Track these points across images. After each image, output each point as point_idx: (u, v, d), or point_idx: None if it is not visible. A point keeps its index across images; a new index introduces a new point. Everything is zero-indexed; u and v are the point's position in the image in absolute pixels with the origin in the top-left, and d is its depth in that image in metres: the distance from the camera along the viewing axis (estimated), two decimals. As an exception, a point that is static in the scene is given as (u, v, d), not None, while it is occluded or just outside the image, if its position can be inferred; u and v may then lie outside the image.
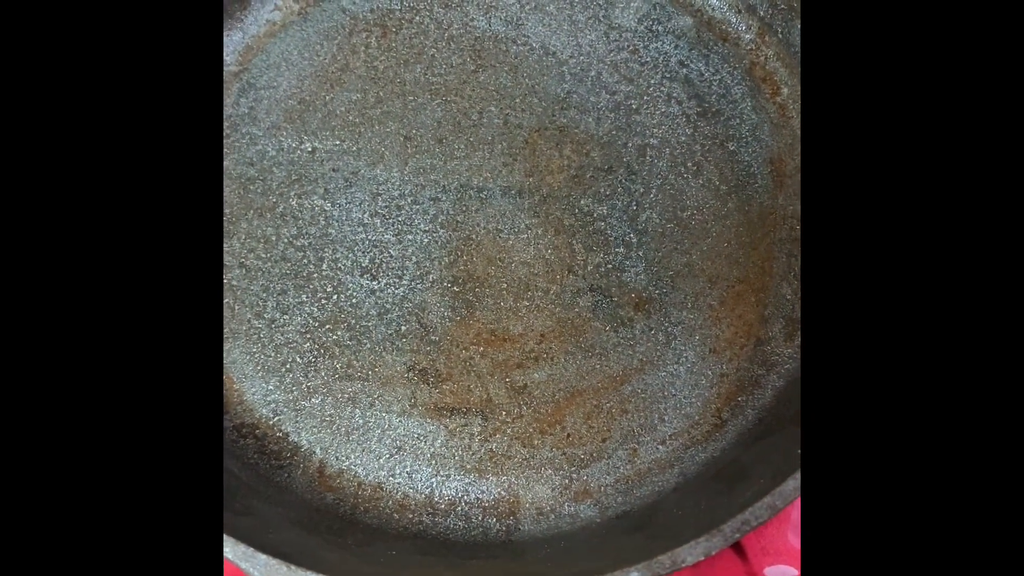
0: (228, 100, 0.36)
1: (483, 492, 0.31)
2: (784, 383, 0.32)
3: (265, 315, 0.33)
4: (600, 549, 0.27)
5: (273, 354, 0.33)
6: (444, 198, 0.35)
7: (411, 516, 0.31)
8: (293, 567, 0.24)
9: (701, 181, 0.35)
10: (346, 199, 0.35)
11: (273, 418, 0.32)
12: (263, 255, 0.34)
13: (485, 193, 0.35)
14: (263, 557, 0.24)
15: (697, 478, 0.30)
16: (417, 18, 0.37)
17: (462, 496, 0.31)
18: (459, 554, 0.29)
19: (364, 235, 0.34)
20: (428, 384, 0.32)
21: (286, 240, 0.34)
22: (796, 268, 0.34)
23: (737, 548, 0.29)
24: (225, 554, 0.24)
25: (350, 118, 0.36)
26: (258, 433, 0.32)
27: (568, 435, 0.32)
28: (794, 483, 0.25)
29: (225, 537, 0.24)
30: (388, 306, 0.33)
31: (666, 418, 0.32)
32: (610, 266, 0.34)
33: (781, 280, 0.34)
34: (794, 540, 0.30)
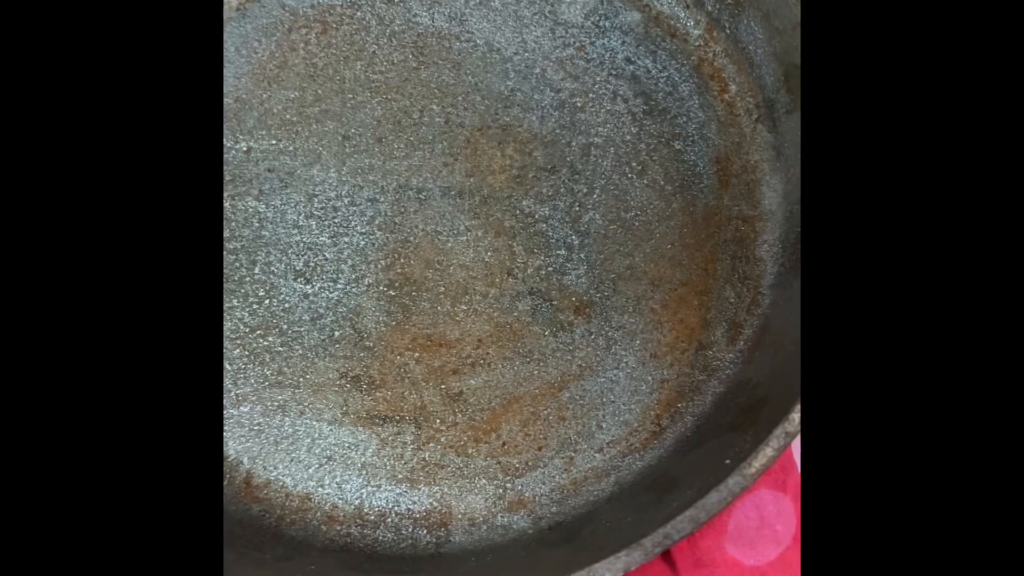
0: (162, 99, 0.35)
1: (414, 503, 0.30)
2: (724, 388, 0.31)
3: (194, 320, 0.32)
4: (527, 563, 0.27)
5: (202, 360, 0.32)
6: (382, 199, 0.34)
7: (339, 528, 0.30)
8: (198, 585, 0.23)
9: (646, 181, 0.34)
10: (281, 200, 0.34)
11: (200, 427, 0.31)
12: (194, 258, 0.33)
13: (424, 194, 0.34)
14: None
15: (632, 487, 0.30)
16: (359, 14, 0.36)
17: (393, 507, 0.30)
18: (383, 568, 0.28)
19: (299, 237, 0.33)
20: (361, 391, 0.32)
21: (218, 243, 0.33)
22: (740, 269, 0.33)
23: (668, 561, 0.29)
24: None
25: (287, 117, 0.35)
26: (184, 442, 0.31)
27: (504, 443, 0.31)
28: (718, 495, 0.24)
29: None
30: (322, 311, 0.32)
31: (604, 425, 0.31)
32: (551, 269, 0.33)
33: (724, 283, 0.33)
34: (732, 551, 0.30)
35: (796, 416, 0.25)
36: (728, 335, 0.32)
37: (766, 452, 0.24)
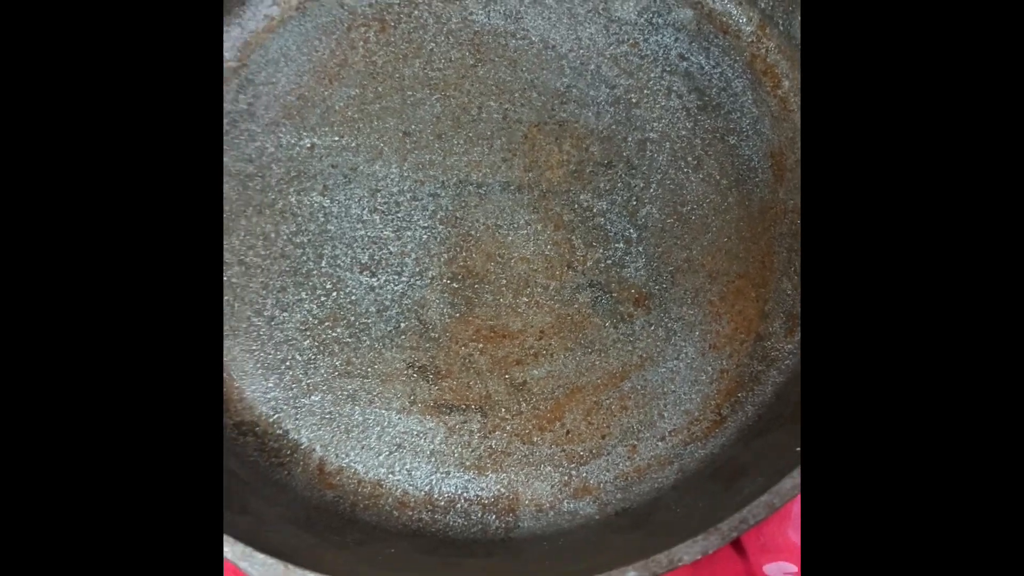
0: (227, 96, 0.36)
1: (482, 489, 0.31)
2: (784, 379, 0.32)
3: (264, 312, 0.33)
4: (598, 547, 0.27)
5: (273, 351, 0.33)
6: (443, 194, 0.35)
7: (410, 513, 0.31)
8: (291, 567, 0.24)
9: (701, 175, 0.35)
10: (345, 195, 0.35)
11: (273, 415, 0.32)
12: (262, 252, 0.34)
13: (484, 189, 0.35)
14: (261, 556, 0.24)
15: (696, 475, 0.30)
16: (416, 12, 0.37)
17: (461, 493, 0.31)
18: (457, 552, 0.29)
19: (363, 231, 0.34)
20: (427, 381, 0.32)
21: (285, 237, 0.34)
22: (796, 263, 0.33)
23: (736, 545, 0.29)
24: (224, 553, 0.24)
25: (349, 114, 0.36)
26: (258, 431, 0.32)
27: (568, 432, 0.32)
28: (792, 481, 0.25)
29: (224, 536, 0.25)
30: (387, 303, 0.33)
31: (666, 414, 0.32)
32: (610, 262, 0.34)
33: (782, 275, 0.33)
34: (794, 536, 0.30)
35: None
36: (786, 326, 0.33)
37: (837, 439, 0.25)
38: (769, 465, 0.26)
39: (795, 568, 0.30)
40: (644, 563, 0.24)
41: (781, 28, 0.36)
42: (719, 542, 0.24)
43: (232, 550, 0.24)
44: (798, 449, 0.26)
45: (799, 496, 0.31)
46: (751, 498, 0.25)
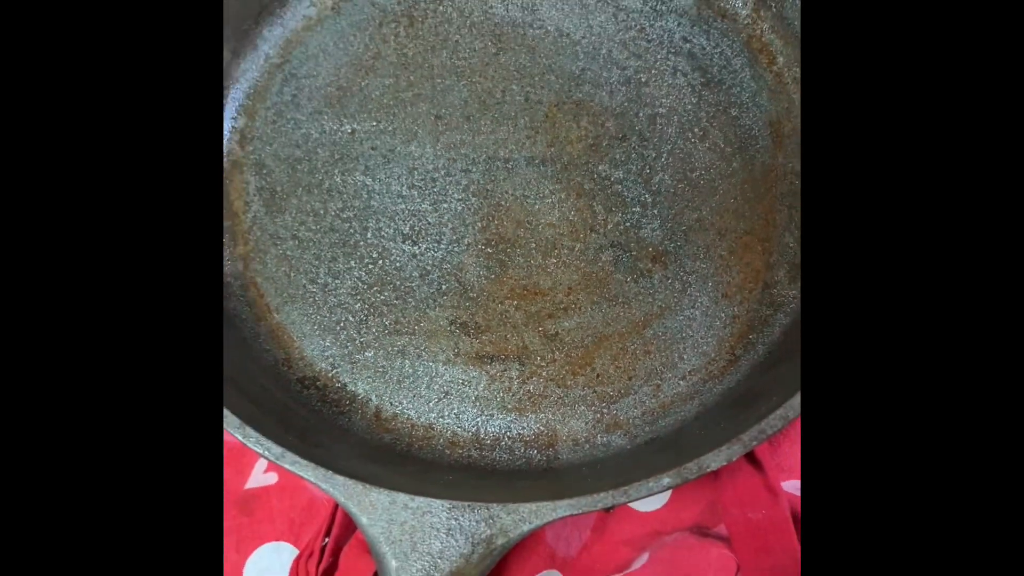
0: (272, 89, 0.39)
1: (524, 428, 0.35)
2: (790, 320, 0.35)
3: (318, 280, 0.37)
4: (633, 467, 0.31)
5: (328, 314, 0.36)
6: (474, 169, 0.38)
7: (460, 451, 0.34)
8: (368, 485, 0.28)
9: (707, 144, 0.38)
10: (385, 174, 0.38)
11: (331, 371, 0.36)
12: (313, 227, 0.37)
13: (511, 164, 0.38)
14: (341, 479, 0.28)
15: (716, 407, 0.34)
16: (441, 8, 0.41)
17: (505, 432, 0.35)
18: (508, 479, 0.32)
19: (403, 205, 0.38)
20: (469, 336, 0.36)
21: (333, 213, 0.38)
22: (797, 219, 0.37)
23: (755, 463, 0.33)
24: (306, 476, 0.28)
25: (385, 101, 0.39)
26: (319, 384, 0.35)
27: (598, 375, 0.35)
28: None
29: (304, 462, 0.28)
30: (429, 268, 0.37)
31: (685, 356, 0.35)
32: (628, 224, 0.37)
33: (784, 230, 0.37)
34: (805, 458, 0.34)
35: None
36: (790, 275, 0.36)
37: (840, 359, 0.29)
38: (781, 387, 0.30)
39: (807, 484, 0.33)
40: (677, 471, 0.28)
41: (774, 10, 0.40)
42: (741, 450, 0.28)
43: (314, 474, 0.28)
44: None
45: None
46: (767, 413, 0.28)
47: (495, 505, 0.27)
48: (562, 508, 0.27)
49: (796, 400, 0.28)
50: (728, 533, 0.32)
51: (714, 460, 0.28)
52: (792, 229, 0.37)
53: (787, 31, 0.40)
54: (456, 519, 0.27)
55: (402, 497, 0.27)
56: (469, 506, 0.27)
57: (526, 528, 0.27)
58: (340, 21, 0.41)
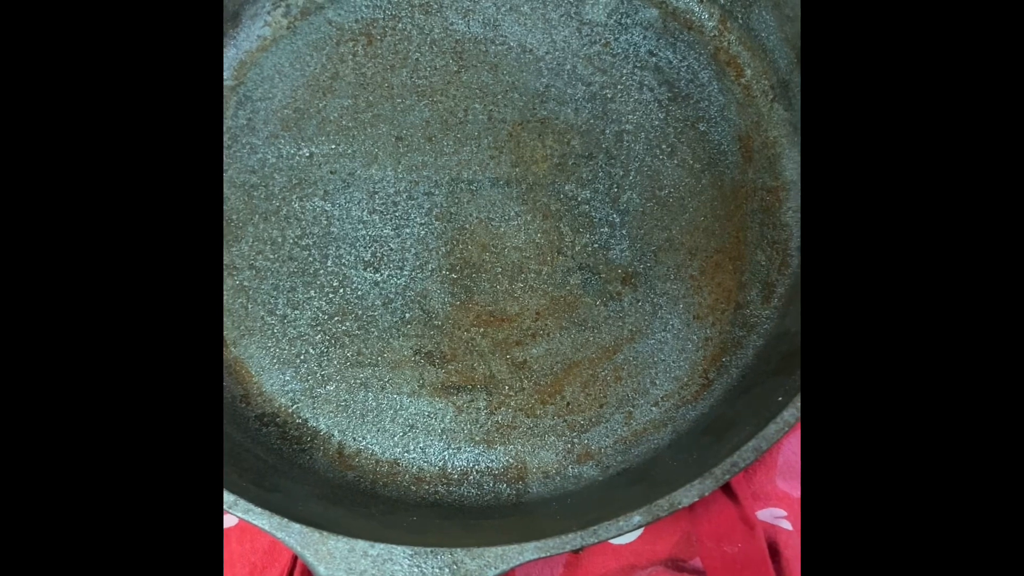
0: (227, 112, 0.38)
1: (492, 461, 0.33)
2: (763, 342, 0.34)
3: (277, 311, 0.35)
4: (604, 502, 0.30)
5: (287, 347, 0.35)
6: (437, 192, 0.37)
7: (427, 487, 0.33)
8: (326, 533, 0.26)
9: (676, 161, 0.37)
10: (345, 199, 0.37)
11: (292, 406, 0.34)
12: (271, 256, 0.36)
13: (475, 185, 0.37)
14: (297, 526, 0.26)
15: (689, 434, 0.33)
16: (400, 25, 0.40)
17: (473, 466, 0.33)
18: (474, 516, 0.31)
19: (364, 231, 0.37)
20: (434, 365, 0.35)
21: (291, 241, 0.36)
22: (768, 236, 0.36)
23: (730, 494, 0.32)
24: (260, 526, 0.27)
25: (343, 123, 0.38)
26: (279, 421, 0.34)
27: (568, 404, 0.34)
28: (775, 427, 0.27)
29: (260, 511, 0.27)
30: (391, 296, 0.36)
31: (657, 382, 0.34)
32: (596, 245, 0.36)
33: (755, 248, 0.36)
34: (782, 485, 0.33)
35: (837, 354, 0.28)
36: (763, 294, 0.35)
37: (814, 386, 0.28)
38: (754, 416, 0.29)
39: (785, 512, 0.32)
40: (648, 508, 0.27)
41: (740, 21, 0.39)
42: (713, 485, 0.27)
43: (269, 522, 0.26)
44: (780, 399, 0.28)
45: (783, 447, 0.33)
46: (740, 444, 0.27)
47: (459, 550, 0.26)
48: (529, 551, 0.26)
49: (769, 430, 0.27)
50: (703, 567, 0.31)
51: (686, 496, 0.27)
52: (764, 246, 0.36)
53: (754, 43, 0.39)
54: (419, 566, 0.26)
55: (362, 544, 0.26)
56: (432, 552, 0.26)
57: (492, 574, 0.26)
58: (296, 41, 0.39)
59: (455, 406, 0.34)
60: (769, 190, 0.37)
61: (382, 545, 0.26)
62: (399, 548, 0.26)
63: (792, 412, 0.27)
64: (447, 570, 0.26)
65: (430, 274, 0.36)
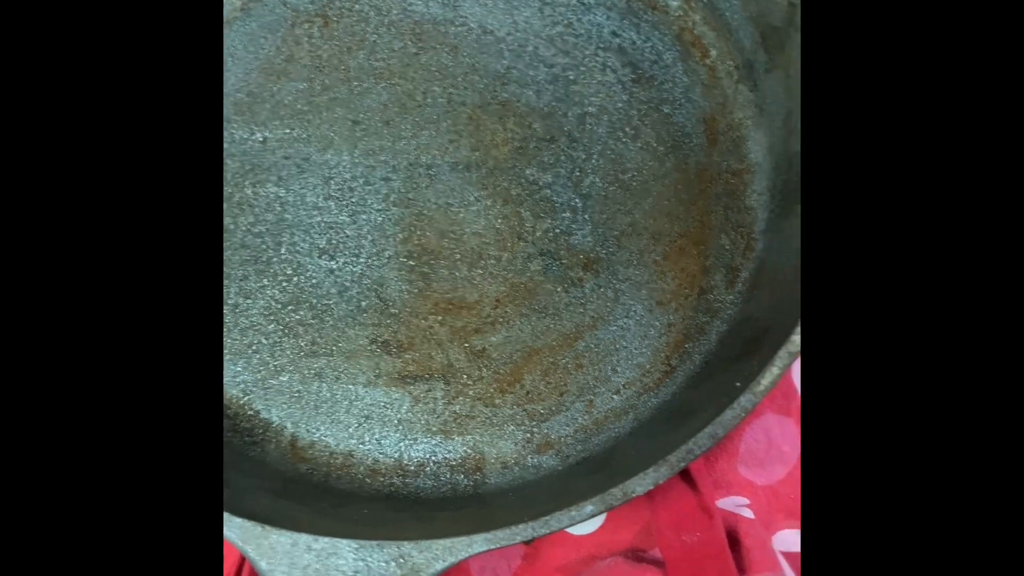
0: (178, 97, 0.37)
1: (450, 452, 0.33)
2: (727, 327, 0.34)
3: (228, 301, 0.34)
4: (562, 492, 0.29)
5: (239, 337, 0.34)
6: (395, 177, 0.36)
7: (382, 479, 0.32)
8: (268, 528, 0.25)
9: (639, 144, 0.37)
10: (300, 185, 0.36)
11: (243, 398, 0.33)
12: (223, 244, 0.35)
13: (434, 170, 0.36)
14: (239, 520, 0.25)
15: (650, 422, 0.32)
16: (357, 6, 0.39)
17: (430, 457, 0.33)
18: (429, 509, 0.30)
19: (320, 218, 0.36)
20: (391, 355, 0.34)
21: (244, 228, 0.35)
22: (733, 219, 0.35)
23: (690, 482, 0.31)
24: (202, 521, 0.26)
25: (298, 107, 0.37)
26: (229, 413, 0.33)
27: (527, 392, 0.33)
28: (732, 413, 0.26)
29: (201, 505, 0.26)
30: (347, 284, 0.35)
31: (619, 369, 0.34)
32: (558, 231, 0.35)
33: (720, 232, 0.35)
34: (744, 472, 0.32)
35: (796, 338, 0.27)
36: (727, 279, 0.35)
37: (772, 371, 0.27)
38: (714, 403, 0.28)
39: (747, 500, 0.32)
40: (601, 497, 0.26)
41: (706, 1, 0.38)
42: (668, 473, 0.26)
43: (210, 517, 0.26)
44: (738, 384, 0.27)
45: (744, 434, 0.33)
46: (697, 431, 0.27)
47: (406, 543, 0.25)
48: (478, 543, 0.25)
49: (726, 416, 0.27)
50: (663, 557, 0.30)
51: (640, 484, 0.26)
52: (728, 230, 0.35)
53: (719, 22, 0.38)
54: (363, 560, 0.25)
55: (305, 538, 0.25)
56: (378, 545, 0.25)
57: (440, 567, 0.25)
58: (250, 23, 0.38)
59: (412, 396, 0.33)
60: (734, 173, 0.36)
61: (326, 539, 0.25)
62: (344, 542, 0.25)
63: (749, 398, 0.27)
64: (393, 563, 0.25)
65: (387, 261, 0.35)
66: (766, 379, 0.27)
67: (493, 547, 0.25)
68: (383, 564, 0.25)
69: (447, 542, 0.25)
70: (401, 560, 0.25)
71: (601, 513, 0.26)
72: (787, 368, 0.27)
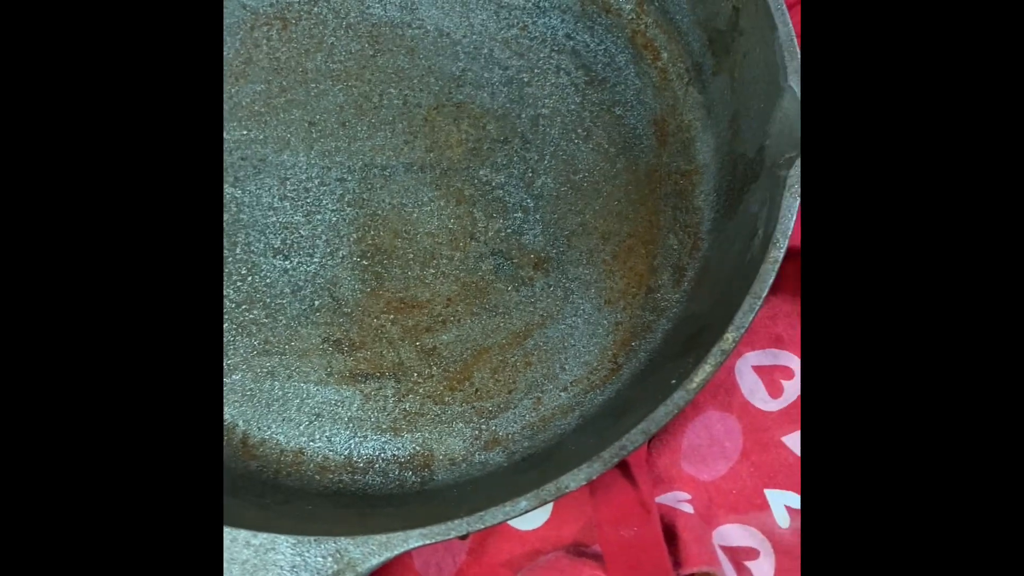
0: (136, 99, 0.37)
1: (399, 449, 0.33)
2: (672, 325, 0.34)
3: (183, 300, 0.35)
4: (503, 488, 0.29)
5: (193, 336, 0.34)
6: (350, 178, 0.37)
7: (331, 476, 0.33)
8: (208, 523, 0.26)
9: (591, 145, 0.37)
10: (255, 185, 0.36)
11: (196, 396, 0.34)
12: (178, 244, 0.35)
13: (388, 170, 0.37)
14: (180, 516, 0.26)
15: (595, 419, 0.33)
16: (315, 9, 0.39)
17: (379, 454, 0.33)
18: (373, 505, 0.31)
19: (275, 218, 0.36)
20: (343, 353, 0.34)
21: (200, 228, 0.36)
22: (681, 219, 0.36)
23: (630, 479, 0.32)
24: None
25: (255, 108, 0.38)
26: (182, 411, 0.33)
27: (477, 390, 0.34)
28: (664, 409, 0.27)
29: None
30: (301, 283, 0.35)
31: (567, 367, 0.34)
32: (510, 231, 0.36)
33: (668, 232, 0.36)
34: (688, 468, 0.33)
35: (731, 336, 0.28)
36: (673, 278, 0.35)
37: (705, 369, 0.28)
38: (650, 399, 0.29)
39: (688, 495, 0.32)
40: (535, 492, 0.26)
41: (657, 5, 0.39)
42: (601, 468, 0.27)
43: (152, 513, 0.26)
44: (673, 381, 0.28)
45: (687, 431, 0.33)
46: (630, 427, 0.27)
47: (343, 538, 0.26)
48: (414, 538, 0.26)
49: (659, 413, 0.27)
50: (601, 551, 0.31)
51: (573, 480, 0.26)
52: (676, 230, 0.36)
53: (671, 26, 0.39)
54: (301, 555, 0.26)
55: (243, 534, 0.26)
56: (316, 540, 0.26)
57: (376, 561, 0.26)
58: (209, 25, 0.39)
59: (363, 394, 0.34)
60: (683, 174, 0.37)
61: (265, 535, 0.26)
62: (282, 537, 0.26)
63: (682, 395, 0.27)
64: (330, 559, 0.26)
65: (341, 261, 0.36)
66: (699, 376, 0.27)
67: (428, 542, 0.26)
68: (320, 559, 0.26)
69: (383, 537, 0.26)
70: (338, 555, 0.26)
71: (535, 508, 0.26)
72: (720, 365, 0.28)
